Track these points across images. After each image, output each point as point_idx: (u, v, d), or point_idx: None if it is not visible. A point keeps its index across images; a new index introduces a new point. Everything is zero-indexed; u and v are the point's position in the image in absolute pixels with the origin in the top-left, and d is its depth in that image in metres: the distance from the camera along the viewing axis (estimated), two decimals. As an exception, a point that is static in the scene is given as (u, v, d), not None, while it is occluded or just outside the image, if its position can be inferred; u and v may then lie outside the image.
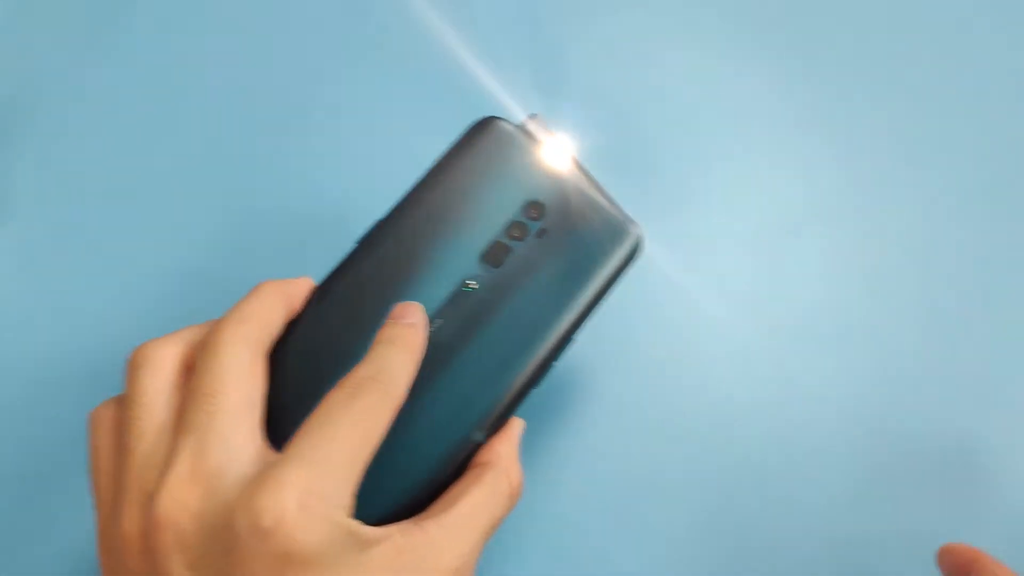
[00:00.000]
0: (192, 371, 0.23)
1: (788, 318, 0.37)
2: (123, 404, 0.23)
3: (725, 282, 0.37)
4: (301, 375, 0.25)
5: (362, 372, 0.23)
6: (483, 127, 0.29)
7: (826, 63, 0.42)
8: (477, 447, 0.25)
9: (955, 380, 0.36)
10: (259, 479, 0.20)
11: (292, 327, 0.26)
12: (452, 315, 0.26)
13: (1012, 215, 0.39)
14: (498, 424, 0.26)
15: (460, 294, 0.27)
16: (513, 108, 0.40)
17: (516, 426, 0.26)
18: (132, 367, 0.23)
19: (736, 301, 0.37)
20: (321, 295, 0.26)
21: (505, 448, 0.25)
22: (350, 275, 0.27)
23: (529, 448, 0.34)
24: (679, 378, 0.36)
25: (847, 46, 0.42)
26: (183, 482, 0.21)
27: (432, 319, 0.26)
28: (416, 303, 0.26)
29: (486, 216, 0.28)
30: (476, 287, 0.27)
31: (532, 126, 0.30)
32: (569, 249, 0.27)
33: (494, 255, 0.27)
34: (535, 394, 0.27)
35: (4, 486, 0.33)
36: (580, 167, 0.29)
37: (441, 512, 0.23)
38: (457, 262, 0.27)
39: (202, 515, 0.21)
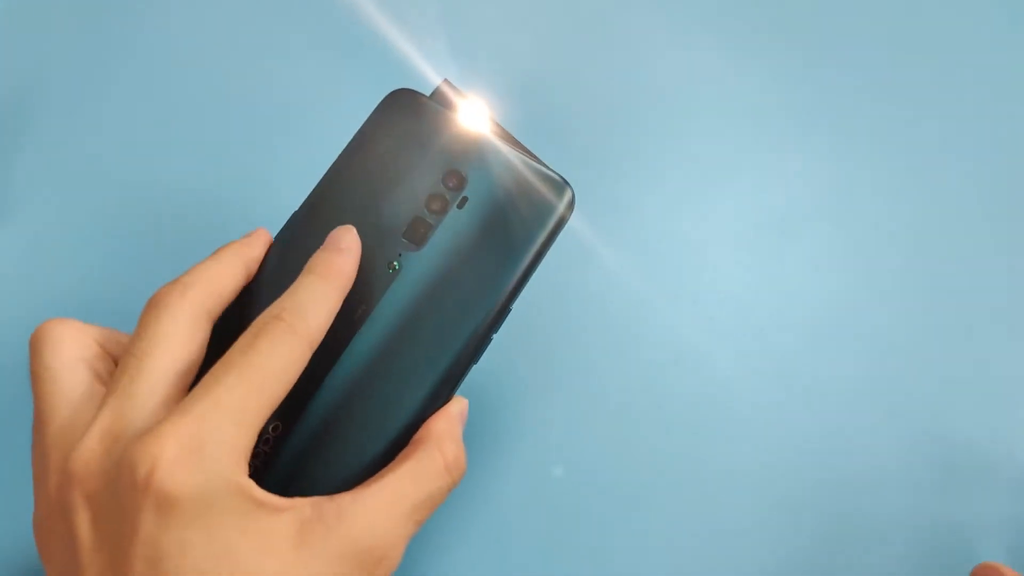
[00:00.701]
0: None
1: (783, 318, 0.37)
2: (31, 381, 0.23)
3: (722, 282, 0.37)
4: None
5: (270, 311, 0.23)
6: (392, 101, 0.28)
7: (823, 62, 0.42)
8: (416, 429, 0.25)
9: (952, 380, 0.36)
10: (144, 433, 0.20)
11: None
12: (378, 300, 0.26)
13: (1010, 214, 0.39)
14: (437, 405, 0.25)
15: (384, 277, 0.26)
16: (431, 75, 0.39)
17: (456, 404, 0.26)
18: (32, 346, 0.24)
19: (733, 301, 0.37)
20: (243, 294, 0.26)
21: (441, 425, 0.25)
22: (267, 273, 0.26)
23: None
24: (679, 376, 0.36)
25: (844, 45, 0.42)
26: (95, 441, 0.21)
27: (356, 306, 0.26)
28: (350, 227, 0.26)
29: (403, 193, 0.27)
30: (399, 268, 0.26)
31: (444, 92, 0.28)
32: (495, 216, 0.26)
33: (415, 232, 0.26)
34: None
35: (11, 488, 0.33)
36: (499, 128, 0.28)
37: (362, 489, 0.23)
38: (378, 245, 0.26)
39: (105, 472, 0.21)
